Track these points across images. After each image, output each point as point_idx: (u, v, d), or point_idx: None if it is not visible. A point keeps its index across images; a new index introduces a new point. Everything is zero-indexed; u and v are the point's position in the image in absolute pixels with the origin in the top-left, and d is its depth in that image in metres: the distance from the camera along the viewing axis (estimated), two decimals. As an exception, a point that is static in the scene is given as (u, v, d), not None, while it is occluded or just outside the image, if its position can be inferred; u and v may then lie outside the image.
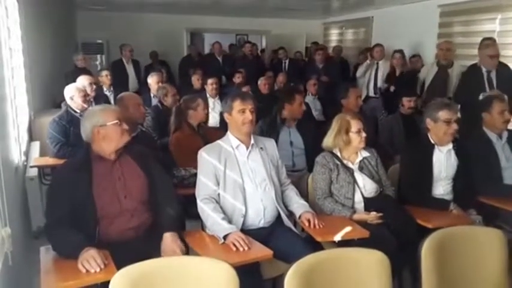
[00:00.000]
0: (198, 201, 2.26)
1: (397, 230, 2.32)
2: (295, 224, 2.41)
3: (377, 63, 5.61)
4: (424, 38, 5.79)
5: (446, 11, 5.62)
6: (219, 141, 2.41)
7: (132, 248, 1.91)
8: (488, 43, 4.34)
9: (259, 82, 5.48)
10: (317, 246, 2.15)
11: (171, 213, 2.11)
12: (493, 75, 4.15)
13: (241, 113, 2.33)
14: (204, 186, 2.27)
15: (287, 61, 7.37)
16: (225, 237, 2.07)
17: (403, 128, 3.80)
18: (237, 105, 2.34)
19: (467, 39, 5.16)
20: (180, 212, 2.19)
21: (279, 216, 2.37)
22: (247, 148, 2.37)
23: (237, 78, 5.94)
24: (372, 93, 5.66)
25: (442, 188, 2.73)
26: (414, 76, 5.28)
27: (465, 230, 1.93)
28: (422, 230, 2.26)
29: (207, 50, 9.85)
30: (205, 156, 2.31)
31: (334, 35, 8.89)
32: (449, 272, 1.81)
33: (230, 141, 2.38)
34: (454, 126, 2.70)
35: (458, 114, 3.86)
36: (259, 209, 2.29)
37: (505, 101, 2.99)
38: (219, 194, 2.28)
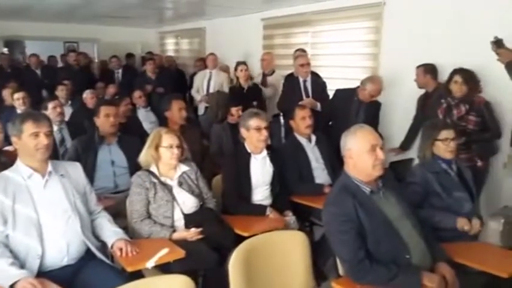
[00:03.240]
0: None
1: (216, 243, 2.31)
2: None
3: (210, 73, 5.68)
4: (252, 49, 6.12)
5: (268, 24, 6.05)
6: (5, 172, 2.04)
7: None
8: (299, 54, 4.80)
9: (84, 95, 5.00)
10: (135, 275, 2.00)
11: None
12: (308, 84, 4.57)
13: (33, 137, 2.02)
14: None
15: (120, 71, 6.98)
16: (12, 285, 1.75)
17: (231, 136, 3.89)
18: (29, 127, 2.02)
19: (287, 51, 5.63)
20: None
21: (90, 249, 2.12)
22: (44, 177, 2.06)
23: (60, 91, 5.33)
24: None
25: (260, 194, 2.85)
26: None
27: (271, 236, 2.01)
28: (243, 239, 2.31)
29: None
30: (-13, 192, 1.93)
31: (170, 44, 8.81)
32: (257, 280, 1.85)
33: (20, 170, 2.03)
34: (265, 133, 2.85)
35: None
36: (61, 246, 2.00)
37: (306, 108, 3.30)
38: (7, 236, 1.92)
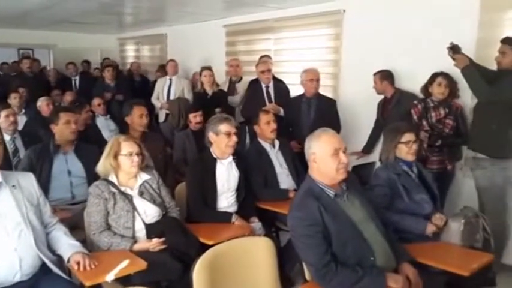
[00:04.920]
0: None
1: (179, 253, 2.24)
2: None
3: (170, 79, 5.59)
4: (215, 56, 6.08)
5: (231, 31, 6.04)
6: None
7: None
8: (260, 60, 4.82)
9: (39, 103, 4.78)
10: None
11: None
12: (271, 89, 4.59)
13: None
14: None
15: (77, 78, 6.73)
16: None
17: (195, 143, 3.83)
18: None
19: (250, 57, 5.64)
20: None
21: (45, 264, 2.00)
22: (-8, 189, 1.93)
23: (13, 99, 5.07)
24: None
25: (226, 201, 2.80)
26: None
27: (236, 244, 1.97)
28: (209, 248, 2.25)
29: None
30: None
31: (130, 51, 8.61)
32: (223, 288, 1.80)
33: (-35, 183, 1.90)
34: (234, 138, 2.82)
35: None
36: (13, 261, 1.88)
37: (270, 113, 3.30)
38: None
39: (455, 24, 3.48)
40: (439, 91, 3.34)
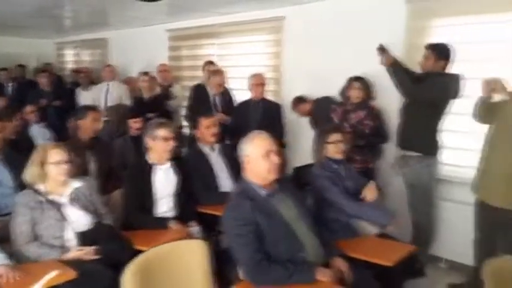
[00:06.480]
0: None
1: (112, 260, 2.18)
2: None
3: (108, 85, 5.44)
4: (158, 60, 5.99)
5: (174, 36, 5.99)
6: None
7: None
8: (213, 69, 4.80)
9: (-34, 111, 4.47)
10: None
11: None
12: (218, 96, 4.54)
13: None
14: None
15: (11, 84, 6.36)
16: None
17: (134, 149, 3.75)
18: None
19: (194, 62, 5.63)
20: None
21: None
22: None
23: None
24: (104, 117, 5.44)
25: (165, 206, 2.77)
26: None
27: (168, 248, 1.95)
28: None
29: None
30: None
31: (69, 56, 8.28)
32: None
33: None
34: (172, 143, 2.81)
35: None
36: None
37: (211, 118, 3.32)
38: None
39: (386, 30, 3.68)
40: (355, 94, 3.55)
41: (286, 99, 4.59)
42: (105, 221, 2.45)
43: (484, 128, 2.84)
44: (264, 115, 4.09)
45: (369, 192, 2.68)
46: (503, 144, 2.68)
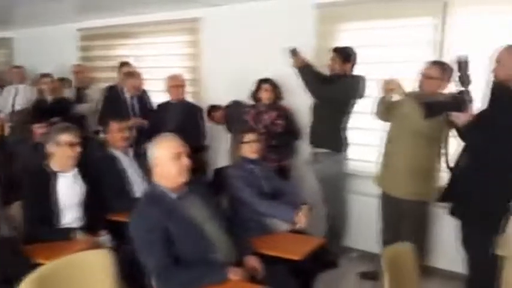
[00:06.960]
0: None
1: (8, 276, 2.00)
2: None
3: (16, 88, 5.01)
4: (68, 61, 5.63)
5: (85, 35, 5.68)
6: None
7: None
8: (131, 72, 4.62)
9: None
10: None
11: None
12: (135, 99, 4.38)
13: None
14: None
15: None
16: None
17: (37, 156, 3.47)
18: None
19: (107, 63, 5.38)
20: None
21: None
22: None
23: None
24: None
25: (71, 216, 2.60)
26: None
27: (68, 260, 1.83)
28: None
29: None
30: None
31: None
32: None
33: None
34: (77, 149, 2.66)
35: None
36: None
37: (121, 121, 3.20)
38: None
39: (297, 34, 3.82)
40: (265, 96, 3.67)
41: (206, 101, 4.57)
42: (3, 233, 2.24)
43: (385, 126, 3.06)
44: (183, 117, 4.02)
45: (301, 219, 2.60)
46: (401, 140, 2.90)
